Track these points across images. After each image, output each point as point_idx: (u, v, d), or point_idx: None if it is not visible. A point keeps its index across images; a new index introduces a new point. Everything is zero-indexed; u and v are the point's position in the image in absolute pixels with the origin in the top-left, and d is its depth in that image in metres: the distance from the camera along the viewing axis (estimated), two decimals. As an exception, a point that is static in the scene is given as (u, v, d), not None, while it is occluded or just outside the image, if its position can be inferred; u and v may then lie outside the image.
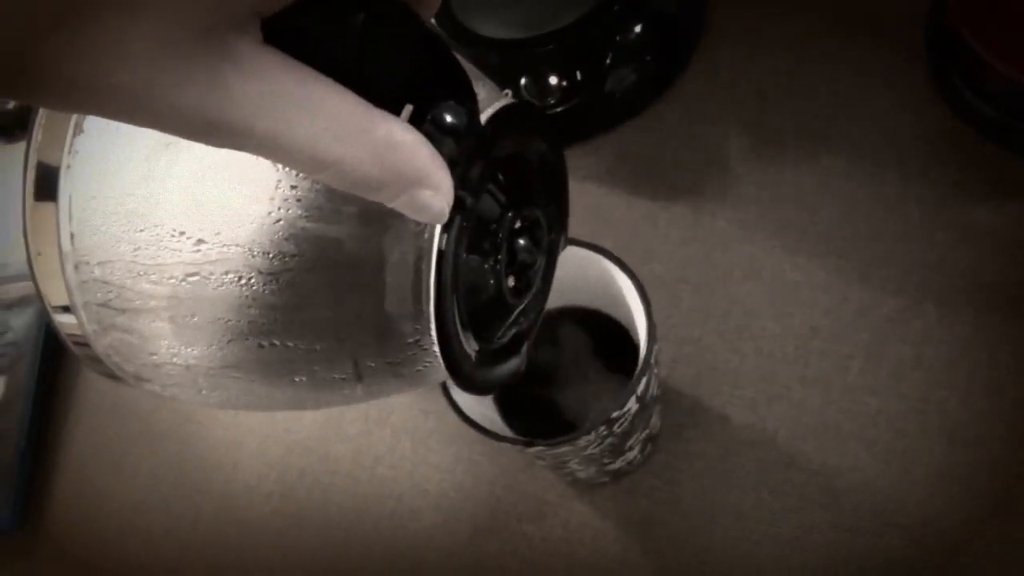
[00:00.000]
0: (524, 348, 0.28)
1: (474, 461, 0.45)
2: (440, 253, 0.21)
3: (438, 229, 0.21)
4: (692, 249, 0.46)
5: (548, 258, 0.28)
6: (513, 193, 0.25)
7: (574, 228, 0.31)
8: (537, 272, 0.27)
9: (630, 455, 0.39)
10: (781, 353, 0.42)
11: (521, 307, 0.27)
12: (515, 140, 0.24)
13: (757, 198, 0.46)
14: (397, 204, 0.18)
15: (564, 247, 0.29)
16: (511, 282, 0.26)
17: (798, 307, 0.43)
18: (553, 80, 0.45)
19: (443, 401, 0.33)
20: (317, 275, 0.20)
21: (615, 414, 0.32)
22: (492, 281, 0.25)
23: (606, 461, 0.37)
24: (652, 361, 0.33)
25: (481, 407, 0.36)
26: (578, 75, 0.46)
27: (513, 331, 0.27)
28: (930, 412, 0.39)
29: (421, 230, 0.20)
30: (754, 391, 0.42)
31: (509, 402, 0.38)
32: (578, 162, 0.48)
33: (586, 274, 0.35)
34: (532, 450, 0.33)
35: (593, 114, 0.49)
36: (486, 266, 0.24)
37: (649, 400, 0.35)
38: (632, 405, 0.33)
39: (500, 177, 0.24)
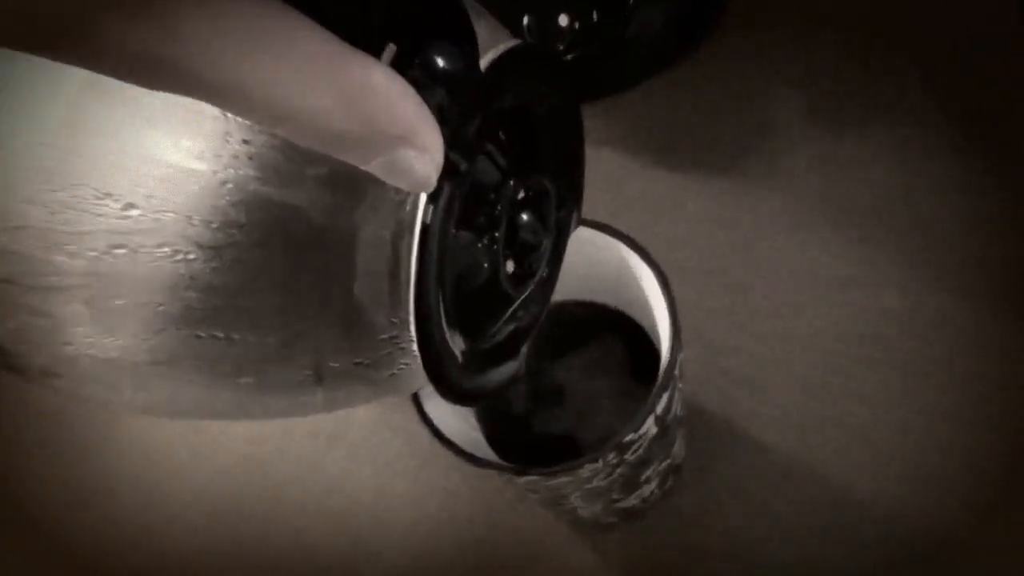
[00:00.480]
0: (523, 350, 0.28)
1: (450, 492, 0.45)
2: (424, 229, 0.21)
3: (423, 199, 0.21)
4: (727, 235, 0.46)
5: (556, 239, 0.28)
6: (517, 157, 0.25)
7: (583, 204, 0.31)
8: (542, 256, 0.28)
9: (646, 490, 0.39)
10: (837, 365, 0.43)
11: (521, 299, 0.27)
12: (522, 92, 0.24)
13: (809, 174, 0.47)
14: (373, 167, 0.18)
15: (576, 226, 0.30)
16: (510, 267, 0.26)
17: (859, 310, 0.43)
18: (563, 21, 0.46)
19: (413, 415, 0.33)
20: (272, 252, 0.21)
21: (628, 437, 0.32)
22: (487, 265, 0.25)
23: (616, 497, 0.38)
24: (676, 373, 0.33)
25: (461, 423, 0.36)
26: (594, 16, 0.47)
27: (510, 328, 0.28)
28: None
29: (402, 200, 0.21)
30: (802, 412, 0.42)
31: (495, 419, 0.39)
32: (591, 124, 0.48)
33: (596, 261, 0.35)
34: (523, 480, 0.33)
35: (611, 65, 0.49)
36: (480, 246, 0.25)
37: (671, 421, 0.36)
38: (649, 427, 0.33)
39: (501, 136, 0.24)
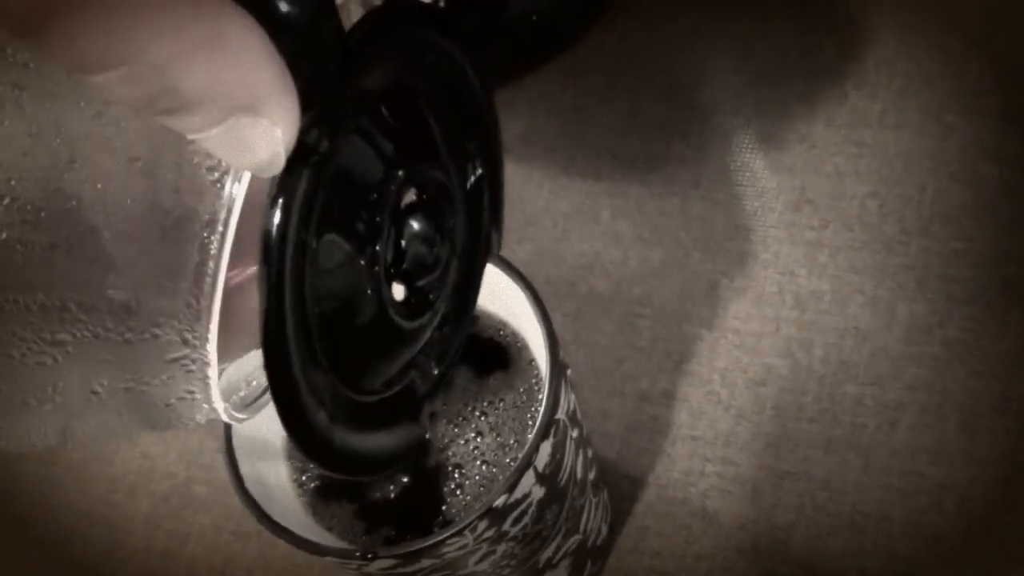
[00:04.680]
0: (425, 409, 0.29)
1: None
2: (267, 231, 0.20)
3: (245, 180, 0.20)
4: (655, 253, 0.46)
5: (467, 256, 0.28)
6: (405, 143, 0.25)
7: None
8: (444, 280, 0.27)
9: (553, 578, 0.41)
10: (795, 406, 0.43)
11: (425, 338, 0.27)
12: (401, 58, 0.24)
13: (759, 167, 0.46)
14: (207, 138, 0.19)
15: (498, 247, 0.29)
16: (398, 293, 0.26)
17: (820, 333, 0.44)
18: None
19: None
20: (41, 238, 0.20)
21: (500, 501, 0.32)
22: (369, 290, 0.25)
23: (513, 587, 0.39)
24: (561, 418, 0.33)
25: (294, 503, 0.35)
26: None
27: (407, 378, 0.28)
28: None
29: (219, 181, 0.20)
30: (755, 468, 0.42)
31: (332, 492, 0.37)
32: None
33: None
34: (374, 568, 0.32)
35: (503, 42, 0.48)
36: (359, 263, 0.24)
37: (566, 483, 0.35)
38: (531, 488, 0.33)
39: (385, 113, 0.24)
